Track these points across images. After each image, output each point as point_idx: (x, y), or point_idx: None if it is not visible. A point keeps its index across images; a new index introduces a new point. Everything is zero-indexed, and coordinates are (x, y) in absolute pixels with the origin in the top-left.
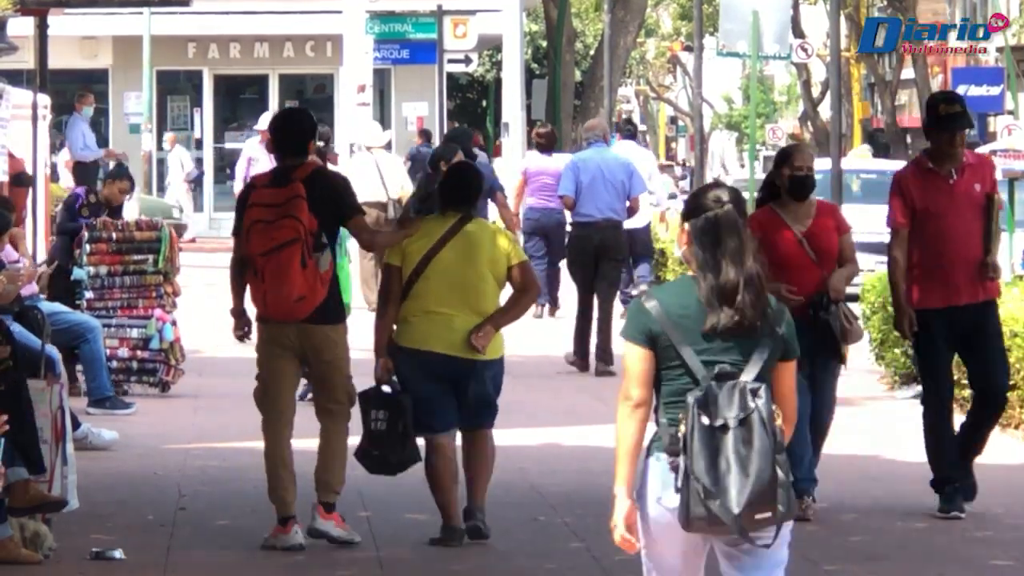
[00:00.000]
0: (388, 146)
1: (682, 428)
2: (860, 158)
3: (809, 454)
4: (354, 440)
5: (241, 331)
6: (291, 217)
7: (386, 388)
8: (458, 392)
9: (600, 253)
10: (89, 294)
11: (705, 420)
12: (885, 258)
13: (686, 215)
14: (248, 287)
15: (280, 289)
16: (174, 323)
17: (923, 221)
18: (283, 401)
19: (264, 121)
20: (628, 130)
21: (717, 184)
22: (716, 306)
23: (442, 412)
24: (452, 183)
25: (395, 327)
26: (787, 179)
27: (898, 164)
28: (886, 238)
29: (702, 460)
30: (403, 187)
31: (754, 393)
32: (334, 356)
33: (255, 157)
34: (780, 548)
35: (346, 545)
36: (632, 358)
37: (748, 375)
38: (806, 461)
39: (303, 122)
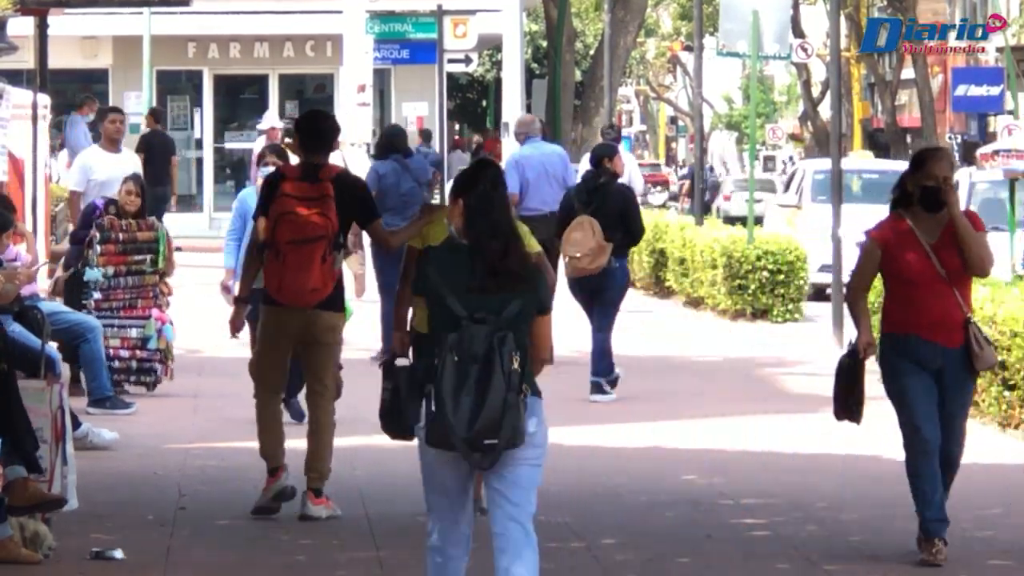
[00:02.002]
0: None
1: (436, 361)
2: (862, 158)
3: (940, 492)
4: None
5: (239, 320)
6: (322, 214)
7: (402, 361)
8: None
9: (548, 246)
10: (97, 295)
11: (456, 357)
12: None
13: (458, 191)
14: (263, 269)
15: (298, 277)
16: (171, 323)
17: None
18: (276, 375)
19: (268, 120)
20: (611, 135)
21: (484, 163)
22: (479, 266)
23: None
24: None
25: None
26: (919, 188)
27: (903, 165)
28: None
29: (448, 389)
30: None
31: (501, 340)
32: (331, 341)
33: None
34: (526, 470)
35: (346, 546)
36: (404, 294)
37: (500, 324)
38: (936, 500)
39: (326, 122)
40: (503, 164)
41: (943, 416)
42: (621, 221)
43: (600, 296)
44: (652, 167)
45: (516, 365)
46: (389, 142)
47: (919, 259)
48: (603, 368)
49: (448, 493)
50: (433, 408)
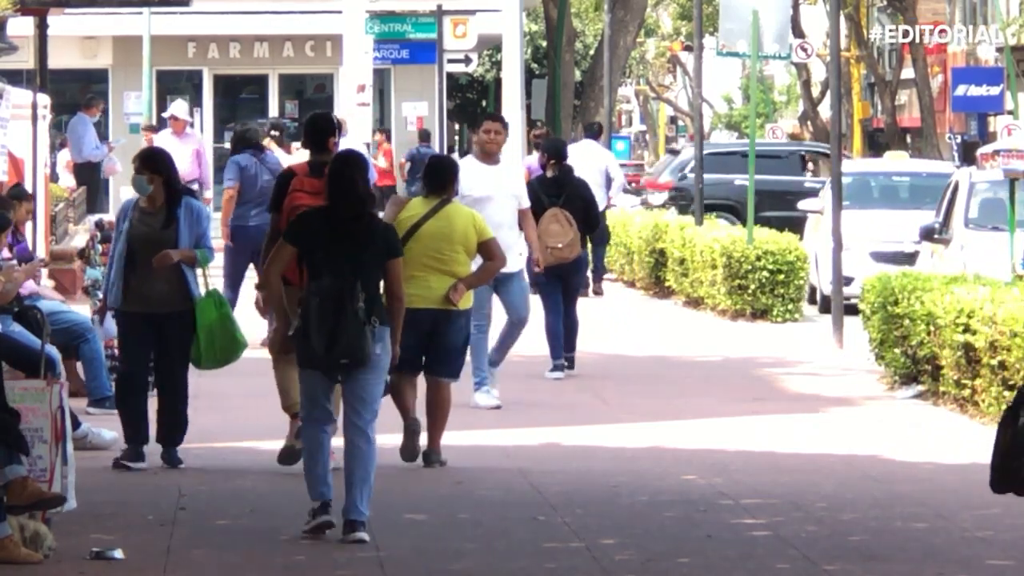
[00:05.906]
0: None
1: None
2: (897, 159)
3: None
4: None
5: (261, 304)
6: None
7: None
8: (433, 341)
9: None
10: (101, 294)
11: (317, 299)
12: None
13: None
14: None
15: None
16: None
17: None
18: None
19: (174, 107)
20: (592, 130)
21: (349, 152)
22: (337, 226)
23: (412, 360)
24: (434, 172)
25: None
26: None
27: (940, 165)
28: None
29: (314, 322)
30: None
31: (351, 286)
32: None
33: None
34: (372, 385)
35: (346, 546)
36: (282, 251)
37: (355, 272)
38: None
39: (322, 123)
40: None
41: None
42: (584, 212)
43: (571, 281)
44: (635, 167)
45: (362, 303)
46: (241, 138)
47: None
48: (568, 345)
49: (316, 396)
50: (301, 337)
